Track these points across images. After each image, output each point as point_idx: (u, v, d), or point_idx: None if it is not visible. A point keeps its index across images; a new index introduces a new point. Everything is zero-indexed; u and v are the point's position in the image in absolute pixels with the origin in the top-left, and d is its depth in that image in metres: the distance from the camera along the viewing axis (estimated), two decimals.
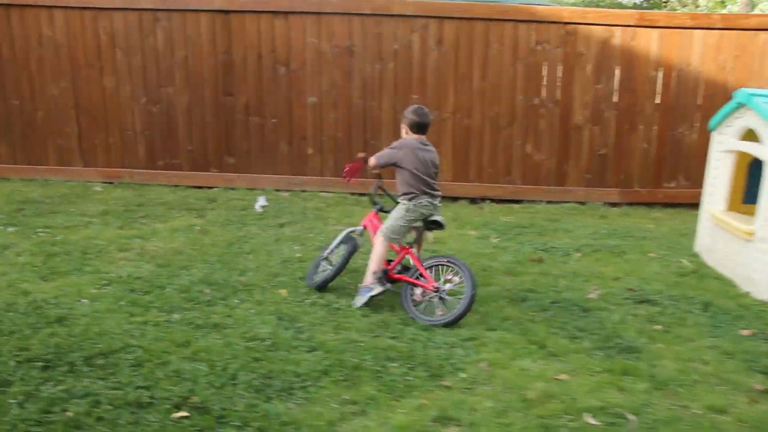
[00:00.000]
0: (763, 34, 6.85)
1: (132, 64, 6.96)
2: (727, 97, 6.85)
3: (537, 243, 5.41)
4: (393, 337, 3.51)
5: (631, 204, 7.22)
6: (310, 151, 7.09)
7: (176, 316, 3.67)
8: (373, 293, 3.90)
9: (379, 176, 4.38)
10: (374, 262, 3.97)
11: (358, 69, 6.87)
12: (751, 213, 4.75)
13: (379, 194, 4.46)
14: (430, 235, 4.42)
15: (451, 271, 3.93)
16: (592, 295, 4.23)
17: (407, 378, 3.08)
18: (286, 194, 6.97)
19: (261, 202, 6.34)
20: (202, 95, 7.01)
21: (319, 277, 4.20)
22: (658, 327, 3.80)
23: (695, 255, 5.28)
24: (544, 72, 6.92)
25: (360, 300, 3.94)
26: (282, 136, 7.06)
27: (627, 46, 6.84)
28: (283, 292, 4.08)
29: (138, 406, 2.75)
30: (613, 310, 4.02)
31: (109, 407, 2.72)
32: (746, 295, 4.39)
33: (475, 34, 6.79)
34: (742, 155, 4.94)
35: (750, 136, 4.76)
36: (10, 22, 6.86)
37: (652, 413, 2.85)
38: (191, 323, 3.58)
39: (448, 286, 3.87)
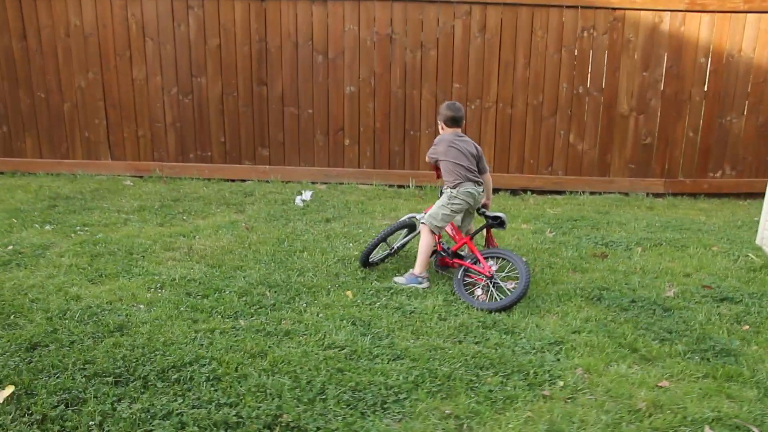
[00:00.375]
0: None
1: (163, 53, 6.72)
2: None
3: (594, 237, 5.21)
4: (477, 342, 3.32)
5: (675, 194, 7.03)
6: (347, 142, 6.87)
7: (243, 323, 3.47)
8: (420, 286, 4.03)
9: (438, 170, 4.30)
10: (422, 252, 4.10)
11: (398, 57, 6.64)
12: None
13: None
14: None
15: (508, 265, 4.02)
16: (669, 293, 4.04)
17: (505, 388, 2.88)
18: (323, 187, 6.76)
19: (304, 196, 6.13)
20: (236, 85, 6.78)
21: (375, 257, 4.35)
22: (747, 327, 3.61)
23: (758, 248, 5.08)
24: (590, 59, 6.68)
25: (402, 281, 4.09)
26: (318, 127, 6.83)
27: (676, 32, 6.61)
28: (349, 293, 3.88)
29: (227, 427, 2.55)
30: (695, 309, 3.81)
31: (196, 429, 2.52)
32: None
33: (519, 21, 6.55)
34: None
35: None
36: (37, 11, 6.61)
37: None
38: (261, 330, 3.38)
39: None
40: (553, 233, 5.34)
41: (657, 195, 7.02)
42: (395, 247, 4.42)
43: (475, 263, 4.01)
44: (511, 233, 5.30)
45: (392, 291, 3.91)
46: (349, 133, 6.84)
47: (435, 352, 3.18)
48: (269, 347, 3.19)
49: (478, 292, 3.89)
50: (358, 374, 2.95)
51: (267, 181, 6.87)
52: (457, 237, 4.26)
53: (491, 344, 3.29)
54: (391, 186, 6.89)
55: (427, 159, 4.31)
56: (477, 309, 3.71)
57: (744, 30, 6.62)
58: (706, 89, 6.78)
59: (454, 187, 4.09)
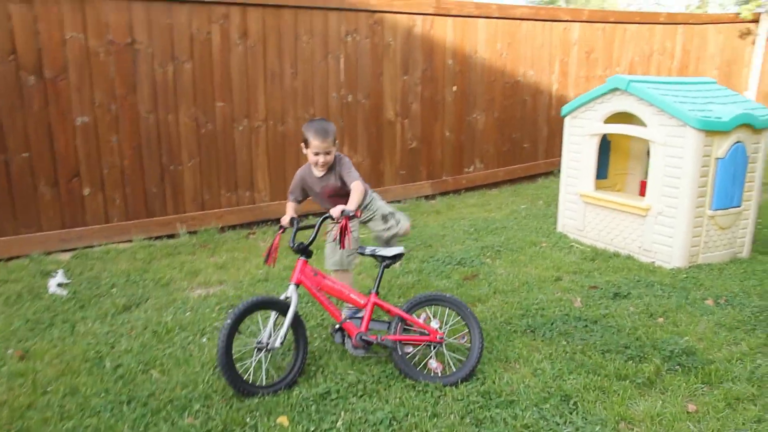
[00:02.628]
0: (524, 23, 7.41)
1: None
2: (505, 82, 7.35)
3: (440, 258, 4.81)
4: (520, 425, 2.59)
5: (442, 194, 7.16)
6: (86, 191, 5.06)
7: None
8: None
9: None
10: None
11: (146, 73, 5.13)
12: (605, 188, 5.24)
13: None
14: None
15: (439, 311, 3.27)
16: (577, 304, 3.89)
17: None
18: (65, 257, 4.87)
19: (58, 278, 4.26)
20: None
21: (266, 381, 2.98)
22: (661, 320, 3.66)
23: (565, 235, 5.41)
24: (357, 65, 6.24)
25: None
26: (41, 175, 4.86)
27: (427, 35, 6.63)
28: (283, 420, 2.68)
29: None
30: (612, 314, 3.72)
31: None
32: (652, 265, 4.61)
33: (283, 25, 5.70)
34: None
35: (612, 119, 5.01)
36: None
37: None
38: None
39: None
40: (399, 263, 4.76)
41: (427, 197, 7.04)
42: (265, 341, 2.98)
43: (407, 328, 3.14)
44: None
45: (338, 395, 2.85)
46: (89, 179, 5.05)
47: None
48: None
49: (433, 364, 3.09)
50: None
51: None
52: (360, 299, 3.17)
53: (511, 427, 2.60)
54: (158, 238, 5.36)
55: (362, 185, 3.25)
56: (444, 386, 2.93)
57: (477, 33, 7.01)
58: (455, 89, 7.00)
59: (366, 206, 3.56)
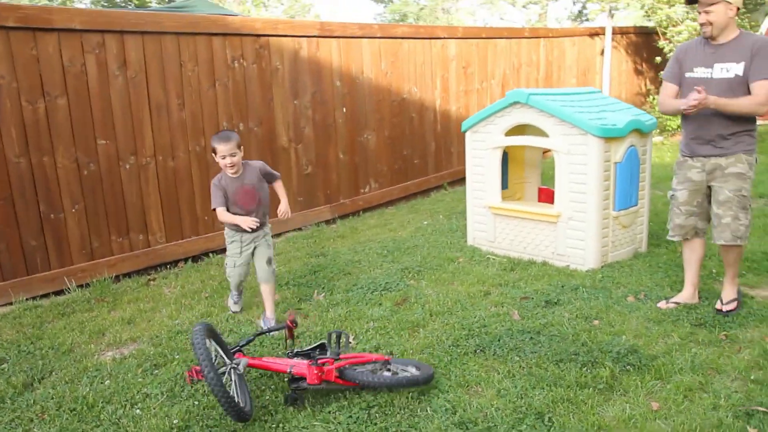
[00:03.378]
0: (406, 42, 7.51)
1: None
2: (392, 100, 7.41)
3: (364, 285, 4.64)
4: None
5: (341, 217, 7.03)
6: None
7: None
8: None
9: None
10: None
11: (12, 111, 4.50)
12: (506, 198, 5.47)
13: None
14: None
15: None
16: (516, 317, 3.92)
17: None
18: None
19: None
20: None
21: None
22: (597, 322, 3.79)
23: (477, 248, 5.50)
24: (246, 92, 5.95)
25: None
26: None
27: (314, 58, 6.49)
28: None
29: None
30: (551, 323, 3.78)
31: None
32: (568, 269, 4.81)
33: (165, 53, 5.28)
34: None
35: (509, 132, 5.19)
36: None
37: None
38: None
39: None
40: (322, 295, 4.56)
41: (327, 222, 6.87)
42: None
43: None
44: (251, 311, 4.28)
45: None
46: None
47: None
48: None
49: (386, 373, 3.00)
50: None
51: None
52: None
53: None
54: (44, 296, 4.71)
55: None
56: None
57: (362, 54, 6.99)
58: (344, 111, 6.92)
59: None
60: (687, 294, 4.01)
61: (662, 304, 3.97)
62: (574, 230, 4.80)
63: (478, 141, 5.40)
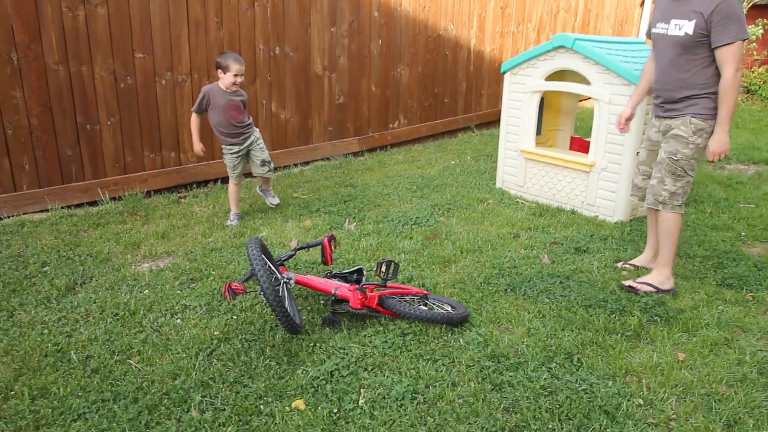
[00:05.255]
0: None
1: None
2: (428, 36, 7.24)
3: (394, 217, 4.70)
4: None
5: (369, 150, 7.02)
6: None
7: None
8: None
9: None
10: None
11: (51, 18, 4.45)
12: (539, 144, 5.41)
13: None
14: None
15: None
16: (545, 261, 3.97)
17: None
18: None
19: None
20: None
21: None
22: (625, 273, 3.83)
23: (505, 191, 5.50)
24: (284, 14, 5.83)
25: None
26: None
27: None
28: (299, 404, 2.50)
29: None
30: (581, 269, 3.82)
31: None
32: (597, 219, 4.82)
33: None
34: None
35: (553, 77, 5.10)
36: None
37: None
38: None
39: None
40: (354, 225, 4.60)
41: (355, 154, 6.87)
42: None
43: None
44: (285, 232, 4.34)
45: (348, 371, 2.69)
46: None
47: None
48: None
49: (423, 307, 3.09)
50: None
51: None
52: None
53: (531, 390, 2.61)
54: (78, 206, 4.80)
55: None
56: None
57: None
58: (380, 42, 6.79)
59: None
60: (645, 257, 3.90)
61: (620, 264, 3.90)
62: (607, 181, 4.78)
63: (517, 84, 5.32)
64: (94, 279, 3.57)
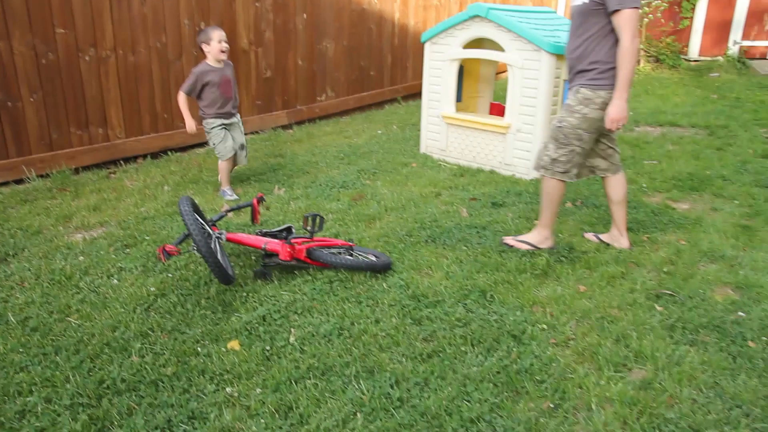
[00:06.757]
0: None
1: None
2: (351, 10, 7.41)
3: (322, 182, 4.91)
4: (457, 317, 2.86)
5: (298, 123, 7.16)
6: None
7: None
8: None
9: None
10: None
11: None
12: (460, 110, 5.71)
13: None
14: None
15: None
16: (464, 214, 4.27)
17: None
18: None
19: None
20: None
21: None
22: (537, 222, 4.15)
23: (428, 156, 5.79)
24: None
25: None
26: None
27: None
28: (234, 344, 2.70)
29: None
30: (497, 221, 4.15)
31: None
32: (514, 177, 5.18)
33: None
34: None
35: (471, 45, 5.39)
36: None
37: None
38: None
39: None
40: (282, 190, 4.79)
41: (284, 127, 7.00)
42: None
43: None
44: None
45: (279, 315, 2.90)
46: None
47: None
48: None
49: (348, 257, 3.34)
50: None
51: None
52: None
53: (447, 323, 2.89)
54: (3, 184, 4.76)
55: None
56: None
57: None
58: (305, 17, 6.91)
59: None
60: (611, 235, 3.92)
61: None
62: (522, 141, 5.12)
63: (436, 52, 5.58)
64: (26, 250, 3.62)
